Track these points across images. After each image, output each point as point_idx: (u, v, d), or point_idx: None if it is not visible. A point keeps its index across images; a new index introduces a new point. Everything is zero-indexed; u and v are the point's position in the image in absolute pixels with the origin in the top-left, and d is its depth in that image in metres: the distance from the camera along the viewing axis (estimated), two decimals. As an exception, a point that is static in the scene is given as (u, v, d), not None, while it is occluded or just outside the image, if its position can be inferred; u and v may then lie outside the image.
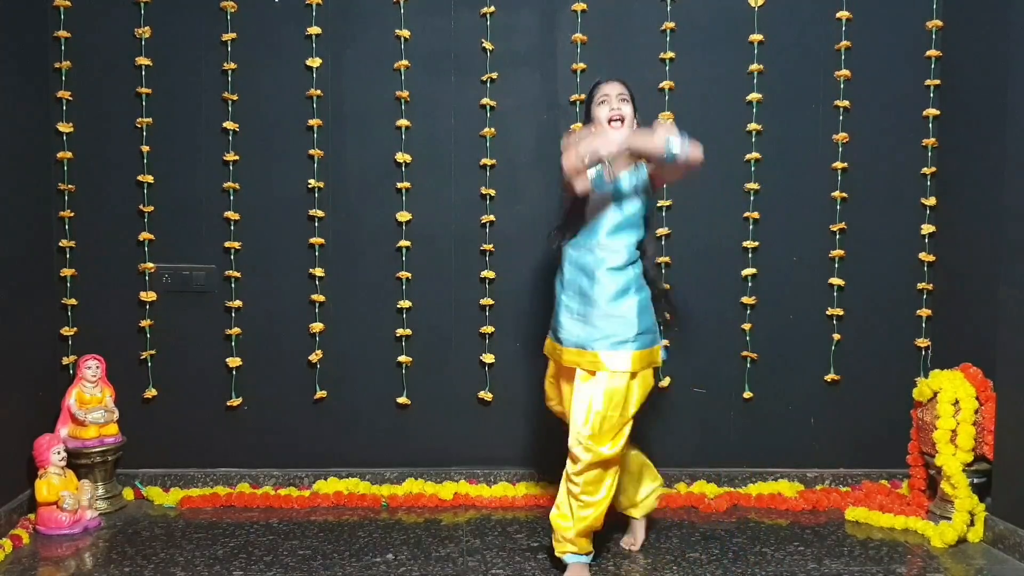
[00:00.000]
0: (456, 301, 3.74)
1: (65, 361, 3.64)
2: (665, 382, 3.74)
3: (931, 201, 3.73)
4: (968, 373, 3.37)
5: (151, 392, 3.70)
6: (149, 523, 3.41)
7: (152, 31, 3.62)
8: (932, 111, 3.72)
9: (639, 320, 2.84)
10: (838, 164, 3.73)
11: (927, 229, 3.73)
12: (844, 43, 3.67)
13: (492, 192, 3.68)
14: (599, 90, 2.92)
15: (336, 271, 3.72)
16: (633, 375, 2.84)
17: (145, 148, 3.64)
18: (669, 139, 2.72)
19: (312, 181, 3.68)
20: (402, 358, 3.73)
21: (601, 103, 2.90)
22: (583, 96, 3.63)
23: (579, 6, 3.64)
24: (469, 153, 3.68)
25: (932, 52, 3.70)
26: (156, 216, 3.67)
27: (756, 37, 3.68)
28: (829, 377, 3.77)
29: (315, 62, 3.65)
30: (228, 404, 3.72)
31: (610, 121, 2.88)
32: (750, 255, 3.74)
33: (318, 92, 3.66)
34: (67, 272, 3.64)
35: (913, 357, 3.78)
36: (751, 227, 3.73)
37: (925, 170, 3.74)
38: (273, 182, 3.70)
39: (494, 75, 3.65)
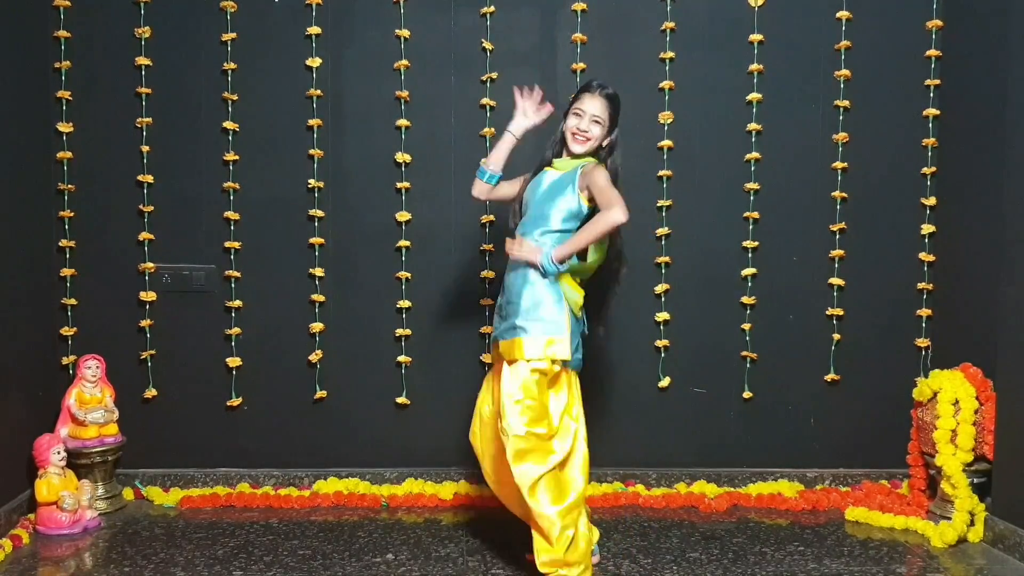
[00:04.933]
0: (456, 301, 3.74)
1: (65, 361, 3.65)
2: (665, 382, 3.74)
3: (931, 201, 3.73)
4: (968, 373, 3.37)
5: (151, 392, 3.70)
6: (149, 523, 3.41)
7: (152, 31, 3.62)
8: (932, 111, 3.72)
9: (524, 304, 2.78)
10: (838, 164, 3.73)
11: (927, 229, 3.74)
12: (844, 43, 3.67)
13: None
14: (582, 99, 2.88)
15: (336, 271, 3.72)
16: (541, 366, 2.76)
17: (145, 148, 3.64)
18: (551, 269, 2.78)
19: (312, 181, 3.68)
20: (402, 358, 3.73)
21: (575, 114, 2.88)
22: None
23: (579, 6, 3.64)
24: (469, 153, 3.68)
25: (932, 52, 3.70)
26: (156, 216, 3.67)
27: (756, 37, 3.68)
28: (829, 377, 3.77)
29: (315, 62, 3.65)
30: (228, 404, 3.72)
31: (574, 135, 2.87)
32: (750, 255, 3.74)
33: (318, 92, 3.66)
34: (67, 272, 3.64)
35: (913, 357, 3.78)
36: (751, 227, 3.74)
37: (925, 170, 3.74)
38: (273, 182, 3.70)
39: (494, 75, 3.65)
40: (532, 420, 2.75)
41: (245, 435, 3.75)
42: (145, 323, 3.67)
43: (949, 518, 3.27)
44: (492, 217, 3.69)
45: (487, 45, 3.65)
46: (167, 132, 3.66)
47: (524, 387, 2.76)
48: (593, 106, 2.86)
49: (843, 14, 3.67)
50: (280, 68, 3.67)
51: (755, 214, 3.72)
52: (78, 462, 3.43)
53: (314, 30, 3.64)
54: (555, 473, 2.77)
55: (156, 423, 3.71)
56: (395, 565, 3.02)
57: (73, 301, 3.66)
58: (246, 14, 3.64)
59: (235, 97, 3.65)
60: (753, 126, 3.70)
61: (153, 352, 3.70)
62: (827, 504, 3.61)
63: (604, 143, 2.90)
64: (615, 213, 2.70)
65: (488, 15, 3.65)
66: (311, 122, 3.66)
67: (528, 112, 2.96)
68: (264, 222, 3.70)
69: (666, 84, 3.68)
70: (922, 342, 3.77)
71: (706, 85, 3.71)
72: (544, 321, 2.79)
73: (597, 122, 2.86)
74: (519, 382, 2.76)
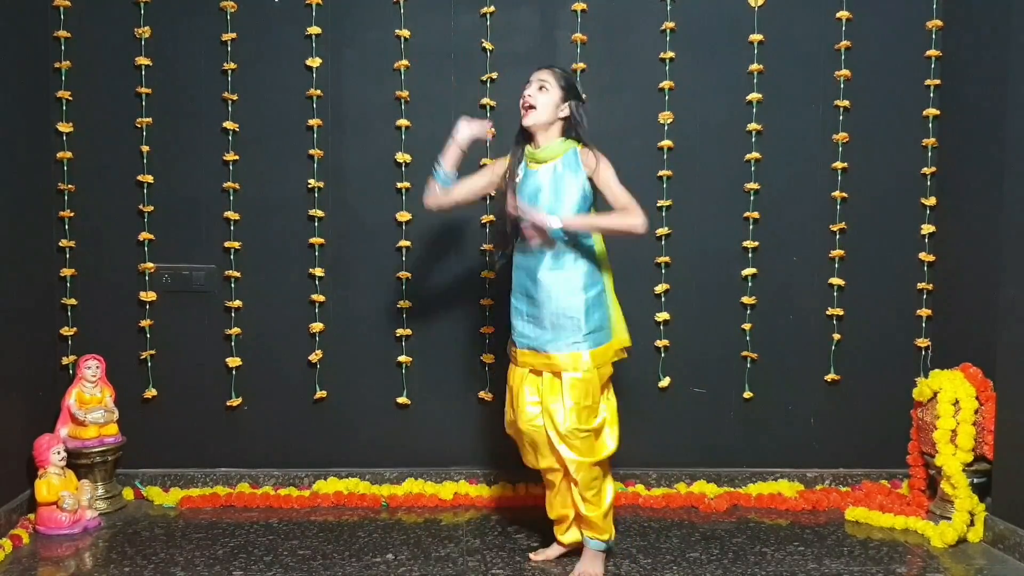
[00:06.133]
0: (456, 301, 3.73)
1: (65, 361, 3.64)
2: (665, 382, 3.75)
3: (931, 201, 3.73)
4: (968, 373, 3.37)
5: (151, 392, 3.70)
6: (149, 523, 3.41)
7: (152, 31, 3.62)
8: (932, 111, 3.72)
9: (587, 319, 2.83)
10: (838, 164, 3.73)
11: (927, 229, 3.74)
12: (844, 43, 3.67)
13: (492, 192, 3.67)
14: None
15: (336, 271, 3.72)
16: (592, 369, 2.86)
17: (145, 148, 3.64)
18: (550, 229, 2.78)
19: (312, 181, 3.68)
20: (402, 358, 3.73)
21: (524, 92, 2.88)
22: (583, 96, 3.63)
23: (579, 6, 3.64)
24: (469, 153, 3.65)
25: (932, 52, 3.70)
26: (156, 216, 3.67)
27: (756, 37, 3.68)
28: (829, 377, 3.77)
29: (315, 62, 3.65)
30: (228, 404, 3.72)
31: (521, 106, 2.86)
32: (750, 255, 3.74)
33: (318, 92, 3.66)
34: (67, 272, 3.64)
35: (913, 357, 3.78)
36: (751, 227, 3.73)
37: (925, 170, 3.74)
38: (273, 182, 3.70)
39: (494, 75, 3.65)
40: (591, 417, 2.86)
41: (245, 435, 3.75)
42: (145, 323, 3.67)
43: (949, 518, 3.27)
44: (492, 217, 3.69)
45: (487, 45, 3.65)
46: (167, 132, 3.66)
47: (591, 393, 2.85)
48: (537, 74, 2.86)
49: (843, 14, 3.67)
50: (280, 68, 3.67)
51: (755, 214, 3.72)
52: (78, 462, 3.43)
53: (314, 30, 3.64)
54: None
55: (156, 423, 3.71)
56: (395, 565, 3.02)
57: (73, 301, 3.65)
58: (246, 14, 3.64)
59: (235, 97, 3.65)
60: (753, 126, 3.70)
61: (153, 352, 3.70)
62: (827, 504, 3.61)
63: (563, 115, 2.85)
64: (638, 223, 2.78)
65: (488, 15, 3.65)
66: (311, 122, 3.66)
67: (473, 124, 2.94)
68: (264, 222, 3.70)
69: (666, 84, 3.68)
70: (922, 342, 3.77)
71: (706, 85, 3.70)
72: (603, 329, 2.88)
73: (543, 87, 2.83)
74: (586, 390, 2.84)
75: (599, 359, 2.86)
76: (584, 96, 2.94)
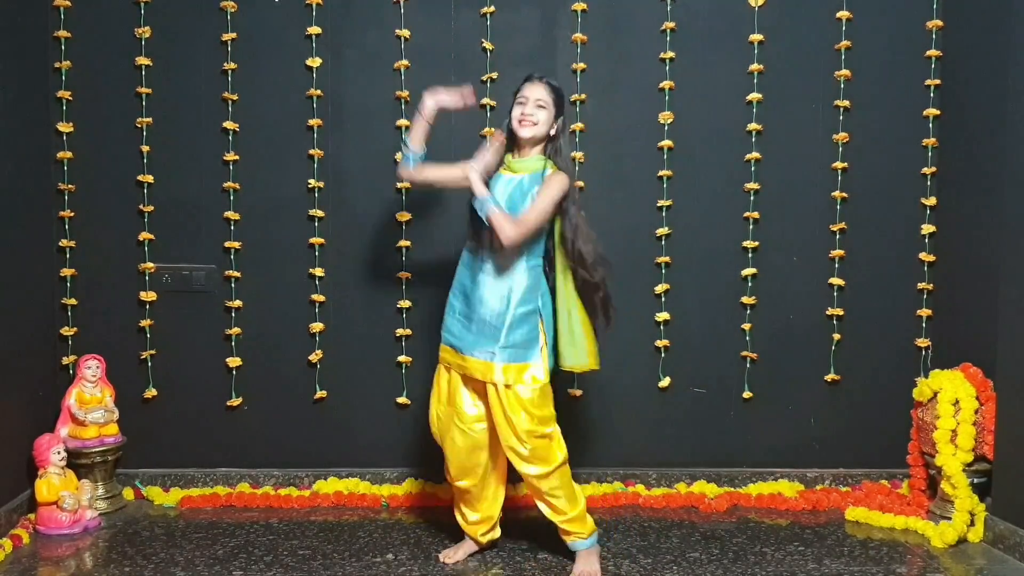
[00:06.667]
0: (456, 301, 3.73)
1: (65, 361, 3.64)
2: (665, 382, 3.74)
3: (931, 201, 3.73)
4: (968, 373, 3.37)
5: (151, 392, 3.70)
6: (149, 523, 3.41)
7: (152, 31, 3.62)
8: (932, 111, 3.72)
9: (508, 332, 2.83)
10: (838, 164, 3.73)
11: (927, 229, 3.73)
12: (844, 43, 3.67)
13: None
14: (523, 88, 2.89)
15: (336, 271, 3.72)
16: (508, 386, 2.84)
17: (145, 148, 3.64)
18: (481, 202, 2.82)
19: (312, 181, 3.68)
20: (402, 358, 3.73)
21: (519, 103, 2.87)
22: (583, 96, 3.64)
23: (579, 6, 3.64)
24: (469, 153, 3.64)
25: (932, 52, 3.70)
26: (156, 216, 3.67)
27: (756, 37, 3.68)
28: (829, 377, 3.77)
29: (315, 62, 3.65)
30: (228, 404, 3.72)
31: (520, 122, 2.86)
32: (750, 255, 3.74)
33: (318, 92, 3.66)
34: (67, 272, 3.64)
35: (913, 357, 3.78)
36: (751, 227, 3.73)
37: (925, 170, 3.74)
38: (273, 182, 3.70)
39: (494, 75, 3.65)
40: (540, 425, 2.85)
41: (245, 435, 3.75)
42: (145, 323, 3.67)
43: (949, 518, 3.27)
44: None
45: (487, 45, 3.65)
46: (167, 132, 3.66)
47: (530, 403, 2.84)
48: (535, 91, 2.86)
49: (843, 14, 3.67)
50: (280, 68, 3.67)
51: (755, 214, 3.72)
52: (78, 462, 3.43)
53: (314, 30, 3.64)
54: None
55: (156, 423, 3.71)
56: (395, 565, 3.02)
57: (73, 301, 3.65)
58: (246, 14, 3.64)
59: (235, 97, 3.65)
60: (753, 126, 3.70)
61: (153, 352, 3.70)
62: (827, 504, 3.61)
63: (552, 132, 2.87)
64: (509, 230, 2.77)
65: (488, 15, 3.65)
66: (311, 122, 3.66)
67: (439, 94, 2.97)
68: (264, 222, 3.70)
69: (666, 84, 3.68)
70: (922, 342, 3.77)
71: (706, 85, 3.70)
72: (523, 348, 2.86)
73: (541, 106, 2.85)
74: (517, 401, 2.83)
75: (512, 376, 2.83)
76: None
